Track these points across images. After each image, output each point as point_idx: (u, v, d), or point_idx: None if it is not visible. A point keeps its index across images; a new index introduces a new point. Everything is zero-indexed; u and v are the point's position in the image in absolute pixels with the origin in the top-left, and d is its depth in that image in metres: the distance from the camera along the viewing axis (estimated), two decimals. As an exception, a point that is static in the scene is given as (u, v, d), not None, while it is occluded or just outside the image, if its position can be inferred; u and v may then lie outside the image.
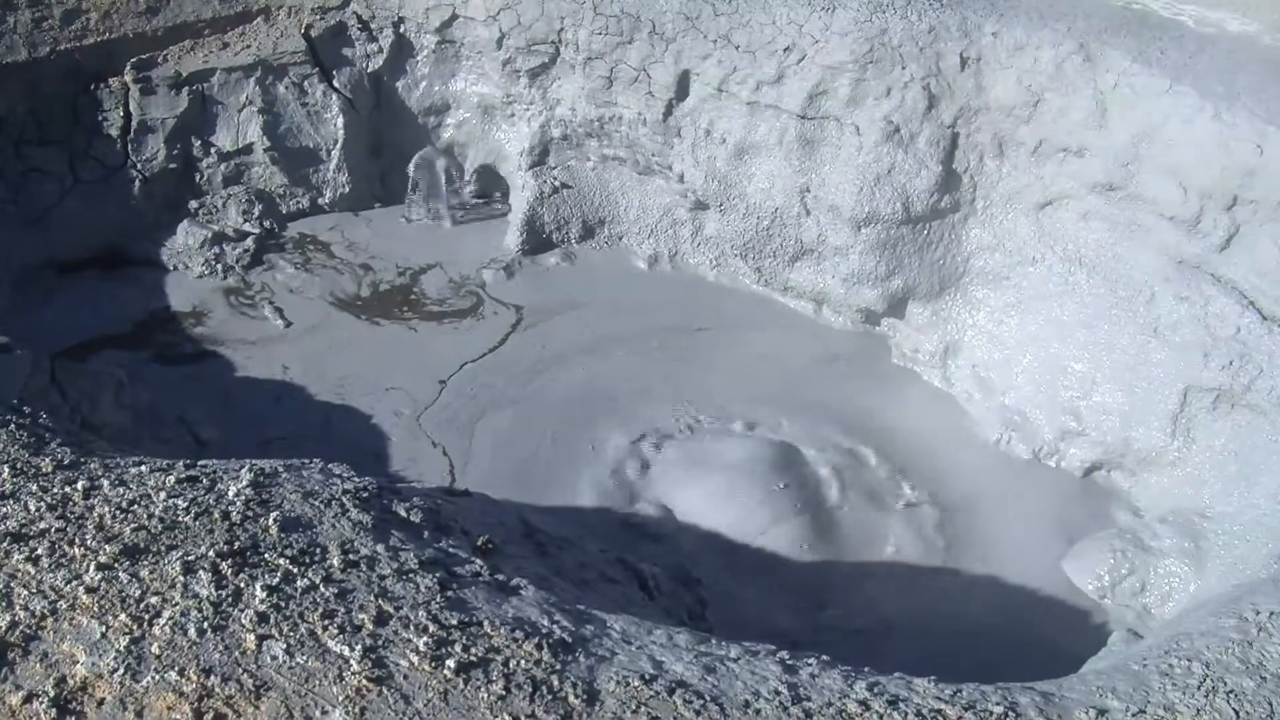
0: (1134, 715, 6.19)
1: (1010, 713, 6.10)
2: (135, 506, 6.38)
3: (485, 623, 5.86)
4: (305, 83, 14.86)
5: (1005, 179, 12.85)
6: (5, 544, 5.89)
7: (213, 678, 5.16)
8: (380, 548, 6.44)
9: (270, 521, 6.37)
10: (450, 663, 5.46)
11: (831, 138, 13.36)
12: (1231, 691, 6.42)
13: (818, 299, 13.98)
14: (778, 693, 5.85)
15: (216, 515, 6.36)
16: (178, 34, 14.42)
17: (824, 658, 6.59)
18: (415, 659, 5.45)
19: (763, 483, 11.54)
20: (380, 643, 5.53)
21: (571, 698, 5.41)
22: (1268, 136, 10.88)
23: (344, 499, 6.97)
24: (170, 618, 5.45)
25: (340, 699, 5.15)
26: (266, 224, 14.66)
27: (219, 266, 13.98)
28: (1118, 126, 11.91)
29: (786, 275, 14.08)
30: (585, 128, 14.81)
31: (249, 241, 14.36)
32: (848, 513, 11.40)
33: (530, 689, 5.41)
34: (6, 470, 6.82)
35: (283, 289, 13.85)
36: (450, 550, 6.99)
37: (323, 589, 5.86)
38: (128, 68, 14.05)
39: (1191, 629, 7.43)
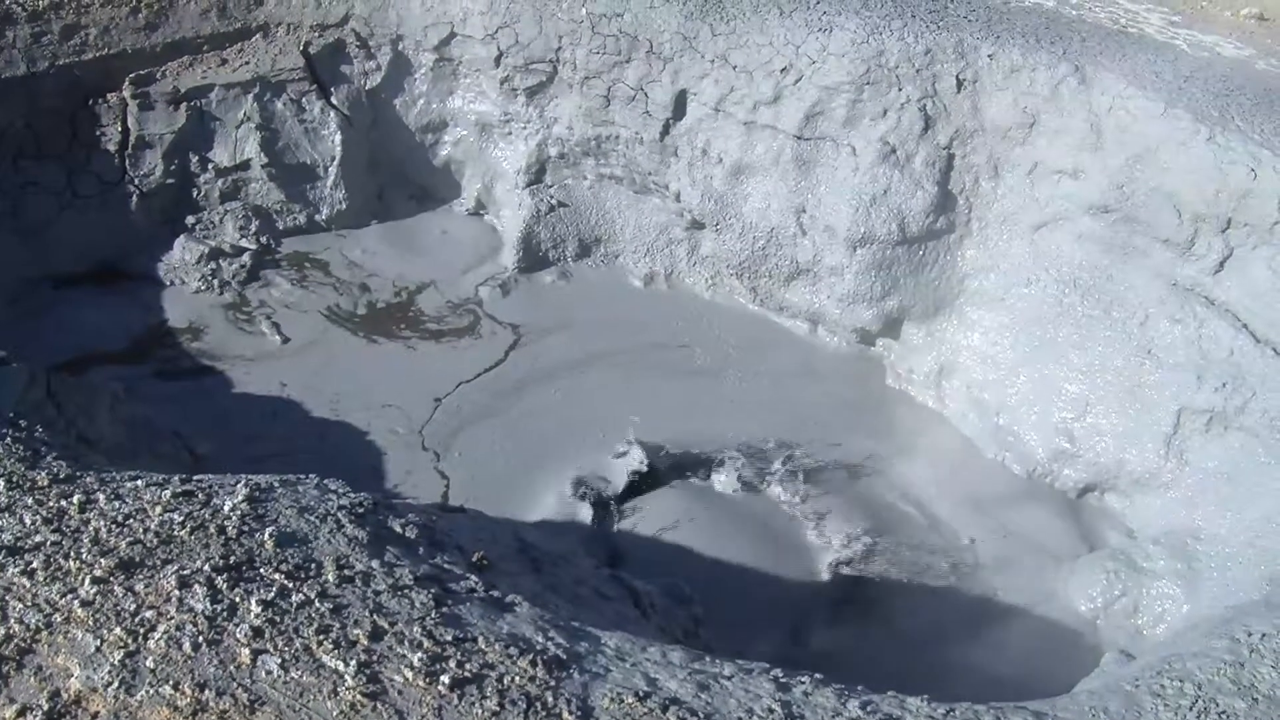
0: (1126, 735, 6.21)
1: (1003, 732, 6.11)
2: (131, 520, 6.39)
3: (480, 639, 5.87)
4: (303, 99, 14.89)
5: (1000, 200, 12.90)
6: (0, 557, 5.90)
7: (207, 692, 5.17)
8: (375, 563, 6.45)
9: (266, 536, 6.39)
10: (445, 678, 5.47)
11: (828, 158, 13.40)
12: (1223, 712, 6.44)
13: (813, 319, 14.01)
14: (771, 710, 5.86)
15: (212, 530, 6.38)
16: (176, 50, 14.44)
17: (818, 676, 6.60)
18: (410, 674, 5.46)
19: (754, 500, 11.56)
20: (375, 658, 5.54)
21: (566, 714, 5.42)
22: (1261, 160, 10.95)
23: (339, 514, 6.98)
24: (165, 632, 5.46)
25: (334, 714, 5.16)
26: (263, 240, 14.66)
27: (215, 282, 13.98)
28: (1113, 149, 11.97)
29: (782, 295, 14.10)
30: (582, 146, 14.84)
31: (246, 257, 14.35)
32: (839, 532, 11.40)
33: (524, 705, 5.42)
34: (2, 484, 6.82)
35: (280, 305, 13.85)
36: (445, 566, 7.00)
37: (318, 604, 5.87)
38: (126, 83, 14.06)
39: (1184, 650, 7.46)
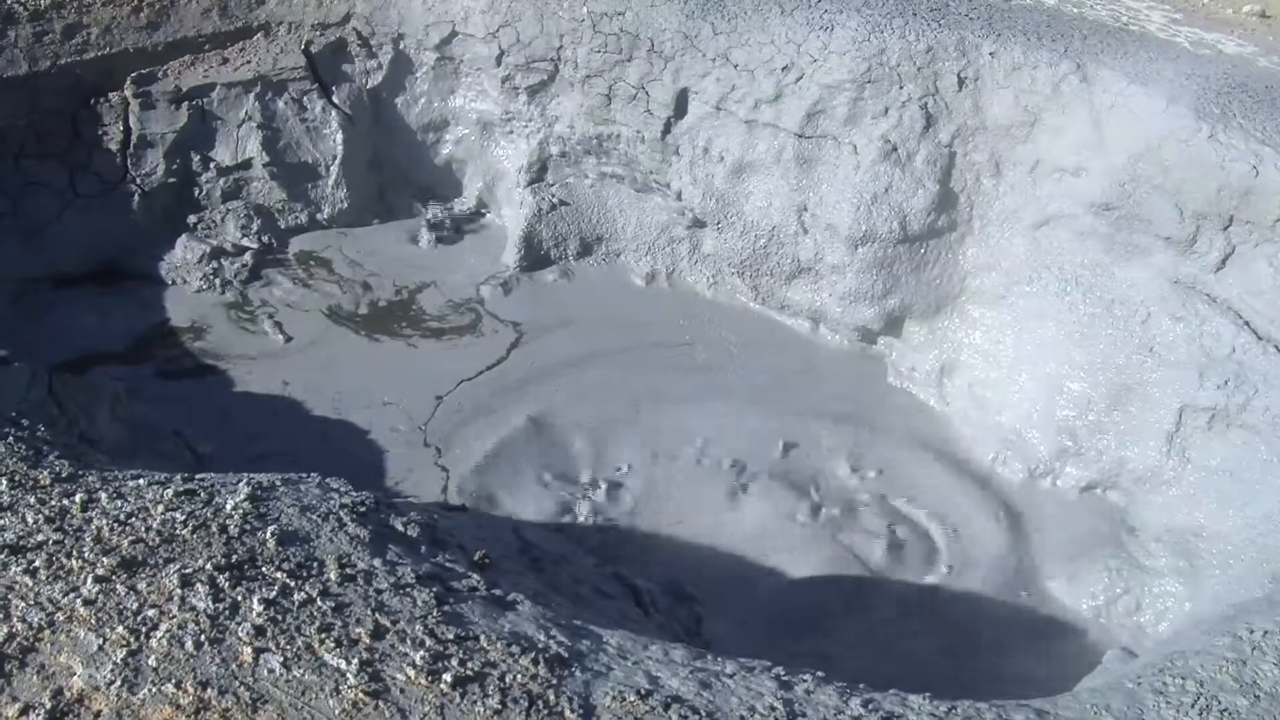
0: (1128, 733, 6.21)
1: (1005, 730, 6.11)
2: (133, 519, 6.40)
3: (481, 637, 5.87)
4: (305, 98, 14.89)
5: (1002, 198, 12.88)
6: (3, 556, 5.91)
7: (209, 690, 5.18)
8: (377, 562, 6.46)
9: (268, 535, 6.39)
10: (447, 677, 5.47)
11: (829, 156, 13.39)
12: (1225, 710, 6.44)
13: (815, 317, 14.00)
14: (773, 708, 5.86)
15: (214, 528, 6.38)
16: (178, 49, 14.44)
17: (819, 674, 6.60)
18: (412, 673, 5.47)
19: (756, 499, 11.57)
20: (377, 656, 5.54)
21: (568, 712, 5.43)
22: (1263, 158, 10.94)
23: (341, 513, 6.99)
24: (167, 630, 5.47)
25: (337, 712, 5.17)
26: (265, 239, 14.66)
27: (217, 281, 13.98)
28: (1114, 147, 11.95)
29: (784, 293, 14.10)
30: (583, 145, 14.84)
31: (247, 256, 14.36)
32: (841, 531, 11.40)
33: (526, 703, 5.42)
34: (4, 483, 6.83)
35: (281, 304, 13.85)
36: (447, 565, 7.01)
37: (320, 602, 5.88)
38: (128, 82, 14.07)
39: (1186, 647, 7.46)
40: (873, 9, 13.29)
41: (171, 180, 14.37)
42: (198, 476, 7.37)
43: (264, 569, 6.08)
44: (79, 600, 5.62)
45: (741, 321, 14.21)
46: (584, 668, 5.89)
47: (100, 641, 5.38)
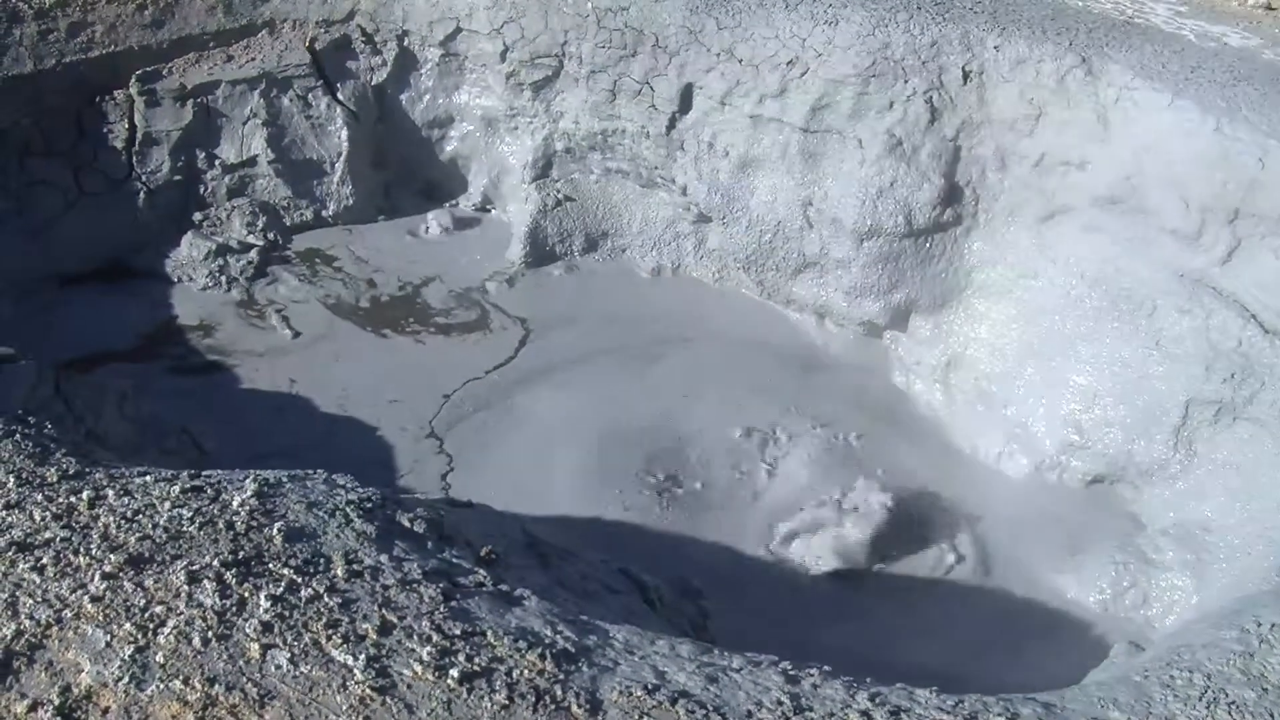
0: (1136, 726, 6.20)
1: (1012, 723, 6.10)
2: (140, 516, 6.39)
3: (489, 633, 5.87)
4: (309, 95, 14.90)
5: (1007, 192, 12.87)
6: (11, 553, 5.91)
7: (217, 686, 5.18)
8: (384, 558, 6.45)
9: (274, 531, 6.39)
10: (454, 672, 5.47)
11: (834, 151, 13.38)
12: (1233, 703, 6.42)
13: (820, 312, 13.99)
14: (780, 703, 5.85)
15: (221, 525, 6.38)
16: (182, 46, 14.46)
17: (826, 668, 6.59)
18: (419, 668, 5.46)
19: (763, 496, 11.56)
20: (384, 652, 5.54)
21: (574, 707, 5.42)
22: (1269, 150, 10.91)
23: (348, 509, 6.98)
24: (175, 627, 5.46)
25: (344, 708, 5.17)
26: (271, 236, 14.68)
27: (223, 279, 14.00)
28: (1120, 140, 11.93)
29: (789, 288, 14.09)
30: (588, 140, 14.84)
31: (253, 253, 14.37)
32: (846, 526, 11.39)
33: (533, 699, 5.42)
34: (12, 480, 6.84)
35: (288, 301, 13.86)
36: (454, 561, 7.00)
37: (327, 598, 5.87)
38: (133, 80, 14.09)
39: (1193, 641, 7.44)
40: (877, 3, 13.28)
41: (177, 178, 14.40)
42: (204, 473, 7.36)
43: (271, 565, 6.07)
44: (86, 597, 5.62)
45: (747, 316, 14.20)
46: (591, 663, 5.88)
47: (108, 638, 5.38)
